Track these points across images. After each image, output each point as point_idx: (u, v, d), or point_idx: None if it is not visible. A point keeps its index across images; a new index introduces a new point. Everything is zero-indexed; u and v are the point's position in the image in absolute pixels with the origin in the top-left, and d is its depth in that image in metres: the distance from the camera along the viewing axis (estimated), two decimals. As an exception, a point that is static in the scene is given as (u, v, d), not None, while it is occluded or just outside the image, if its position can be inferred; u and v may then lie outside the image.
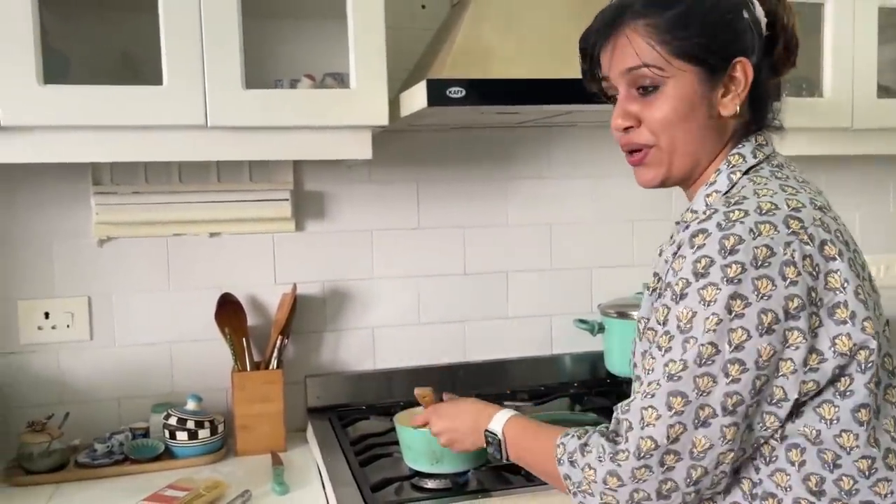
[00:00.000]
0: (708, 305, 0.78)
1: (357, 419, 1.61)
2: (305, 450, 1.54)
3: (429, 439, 1.17)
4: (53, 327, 1.54)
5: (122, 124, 1.27)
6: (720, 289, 0.77)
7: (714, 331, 0.77)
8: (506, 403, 1.66)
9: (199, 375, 1.60)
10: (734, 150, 0.91)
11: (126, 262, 1.57)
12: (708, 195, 0.89)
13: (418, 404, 1.25)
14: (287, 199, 1.61)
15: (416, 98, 1.28)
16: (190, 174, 1.58)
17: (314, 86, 1.47)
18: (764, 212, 0.80)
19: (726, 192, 0.88)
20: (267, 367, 1.55)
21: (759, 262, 0.77)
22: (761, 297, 0.77)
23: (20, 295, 1.52)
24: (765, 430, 0.81)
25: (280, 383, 1.53)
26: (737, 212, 0.80)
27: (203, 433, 1.47)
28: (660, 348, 0.81)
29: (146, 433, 1.52)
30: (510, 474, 1.29)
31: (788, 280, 0.77)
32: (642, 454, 0.79)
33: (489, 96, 1.24)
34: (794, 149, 1.14)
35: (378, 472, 1.32)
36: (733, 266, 0.77)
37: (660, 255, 0.94)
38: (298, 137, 1.36)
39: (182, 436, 1.46)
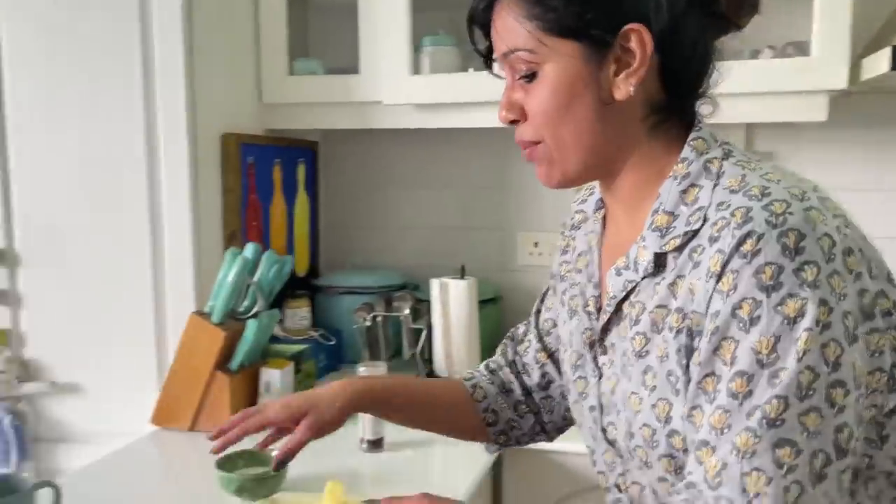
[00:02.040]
0: (794, 323, 0.61)
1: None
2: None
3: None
4: (541, 254, 2.00)
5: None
6: (804, 298, 0.61)
7: (809, 351, 0.61)
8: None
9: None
10: (695, 136, 0.74)
11: (597, 206, 1.94)
12: (684, 191, 0.72)
13: None
14: (738, 159, 1.79)
15: (878, 63, 1.35)
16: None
17: (775, 55, 1.61)
18: (801, 197, 0.66)
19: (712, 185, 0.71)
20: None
21: (827, 257, 0.63)
22: (840, 298, 0.62)
23: (518, 227, 2.01)
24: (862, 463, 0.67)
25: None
26: (775, 203, 0.65)
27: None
28: (734, 396, 0.63)
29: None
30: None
31: (853, 272, 0.64)
32: None
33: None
34: None
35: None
36: (807, 268, 0.62)
37: (618, 274, 0.77)
38: (753, 102, 1.53)
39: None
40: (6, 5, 1.57)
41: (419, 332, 1.76)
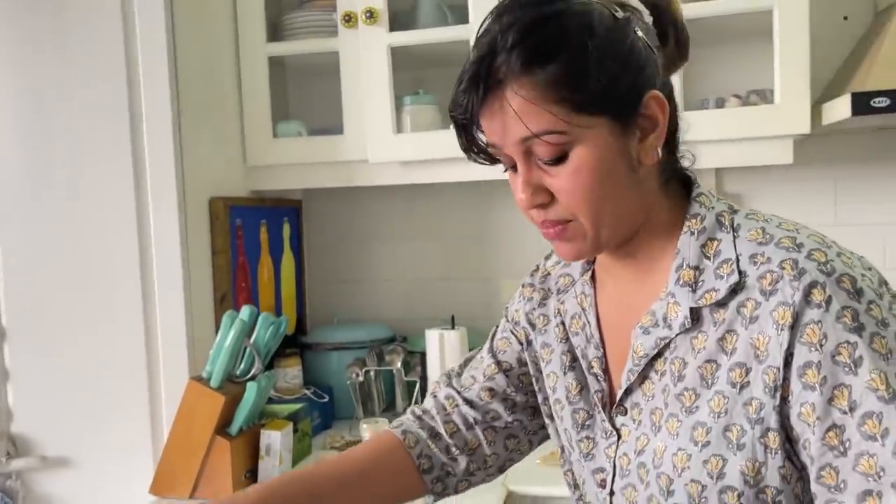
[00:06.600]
0: (889, 357, 0.65)
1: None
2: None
3: None
4: (525, 300, 2.03)
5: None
6: (884, 335, 0.66)
7: None
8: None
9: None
10: (698, 191, 0.78)
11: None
12: (703, 245, 0.75)
13: None
14: (709, 201, 1.87)
15: (839, 109, 1.44)
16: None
17: (740, 103, 1.71)
18: (825, 243, 0.72)
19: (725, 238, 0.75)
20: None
21: (878, 293, 0.68)
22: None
23: (502, 275, 2.05)
24: None
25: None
26: (815, 252, 0.69)
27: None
28: (873, 438, 0.63)
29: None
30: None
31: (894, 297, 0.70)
32: None
33: (915, 104, 1.35)
34: None
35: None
36: (873, 307, 0.67)
37: (646, 333, 0.77)
38: (722, 148, 1.61)
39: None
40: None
41: (413, 384, 1.78)
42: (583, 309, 0.86)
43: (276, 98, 1.89)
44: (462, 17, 1.70)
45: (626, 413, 0.80)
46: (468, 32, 1.67)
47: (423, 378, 1.77)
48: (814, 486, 0.68)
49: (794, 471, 0.70)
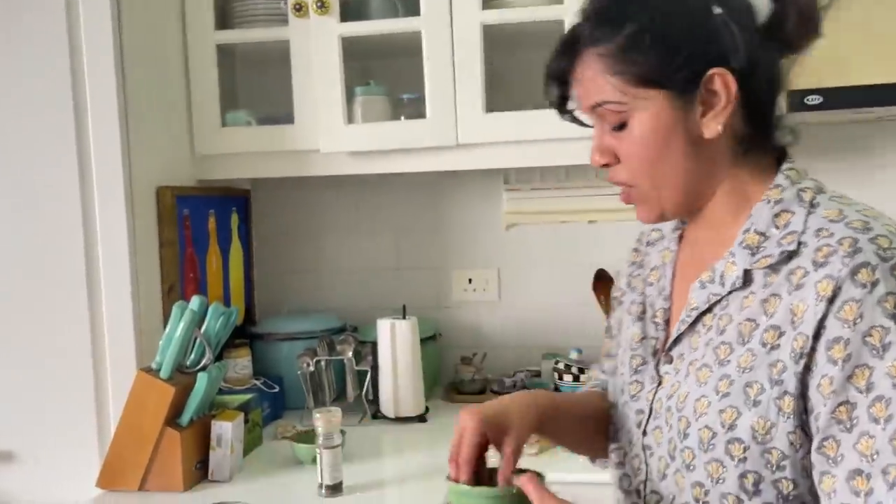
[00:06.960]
0: None
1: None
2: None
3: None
4: (474, 290, 2.07)
5: (530, 139, 1.70)
6: None
7: None
8: None
9: (579, 333, 2.00)
10: (788, 166, 0.80)
11: (526, 242, 2.04)
12: (776, 214, 0.77)
13: None
14: (652, 193, 1.93)
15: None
16: (574, 174, 1.98)
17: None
18: None
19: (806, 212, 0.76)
20: (634, 331, 1.90)
21: None
22: None
23: (453, 266, 2.08)
24: None
25: (645, 344, 1.86)
26: (880, 238, 0.70)
27: (584, 378, 1.86)
28: (876, 420, 0.66)
29: (539, 374, 1.96)
30: None
31: None
32: None
33: (846, 102, 1.42)
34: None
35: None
36: None
37: (702, 287, 0.81)
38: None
39: (567, 378, 1.87)
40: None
41: (363, 374, 1.79)
42: (664, 263, 0.92)
43: (225, 87, 1.87)
44: (413, 8, 1.71)
45: (671, 362, 0.85)
46: (419, 24, 1.69)
47: (375, 367, 1.78)
48: (813, 456, 0.71)
49: (805, 441, 0.72)
